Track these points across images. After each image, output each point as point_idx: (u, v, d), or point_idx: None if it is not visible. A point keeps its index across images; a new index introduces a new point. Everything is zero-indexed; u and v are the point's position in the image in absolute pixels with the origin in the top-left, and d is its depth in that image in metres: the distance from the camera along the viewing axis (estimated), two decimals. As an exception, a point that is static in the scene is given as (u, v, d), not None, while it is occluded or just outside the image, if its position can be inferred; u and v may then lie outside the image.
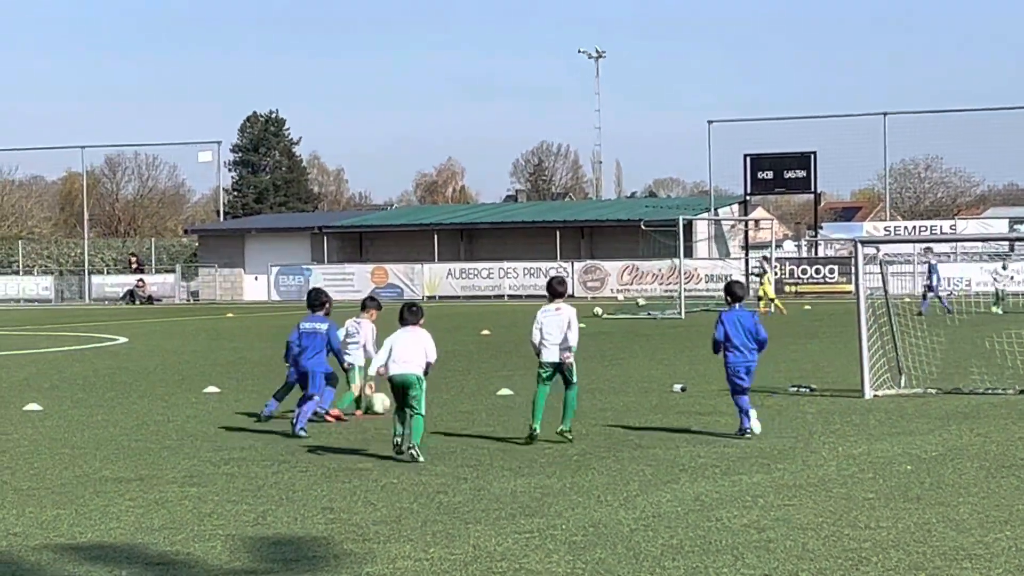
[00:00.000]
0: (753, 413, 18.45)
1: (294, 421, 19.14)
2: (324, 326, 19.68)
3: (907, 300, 30.53)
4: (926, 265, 53.43)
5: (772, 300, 53.89)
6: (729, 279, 20.03)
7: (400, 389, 16.94)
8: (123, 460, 17.18)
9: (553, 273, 76.58)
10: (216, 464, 16.71)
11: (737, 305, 18.65)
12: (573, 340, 18.04)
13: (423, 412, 16.93)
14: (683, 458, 16.61)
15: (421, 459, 16.47)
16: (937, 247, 73.15)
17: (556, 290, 18.46)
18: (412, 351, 17.00)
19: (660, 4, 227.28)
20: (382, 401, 21.04)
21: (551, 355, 18.03)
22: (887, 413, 20.87)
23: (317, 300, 20.02)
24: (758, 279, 58.28)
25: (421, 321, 17.41)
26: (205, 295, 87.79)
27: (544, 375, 18.17)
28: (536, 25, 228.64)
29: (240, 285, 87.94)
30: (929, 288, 50.26)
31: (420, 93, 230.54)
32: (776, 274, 68.47)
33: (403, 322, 17.32)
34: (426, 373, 17.09)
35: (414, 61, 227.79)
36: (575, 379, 18.24)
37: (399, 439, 16.80)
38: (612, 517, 12.97)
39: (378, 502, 13.96)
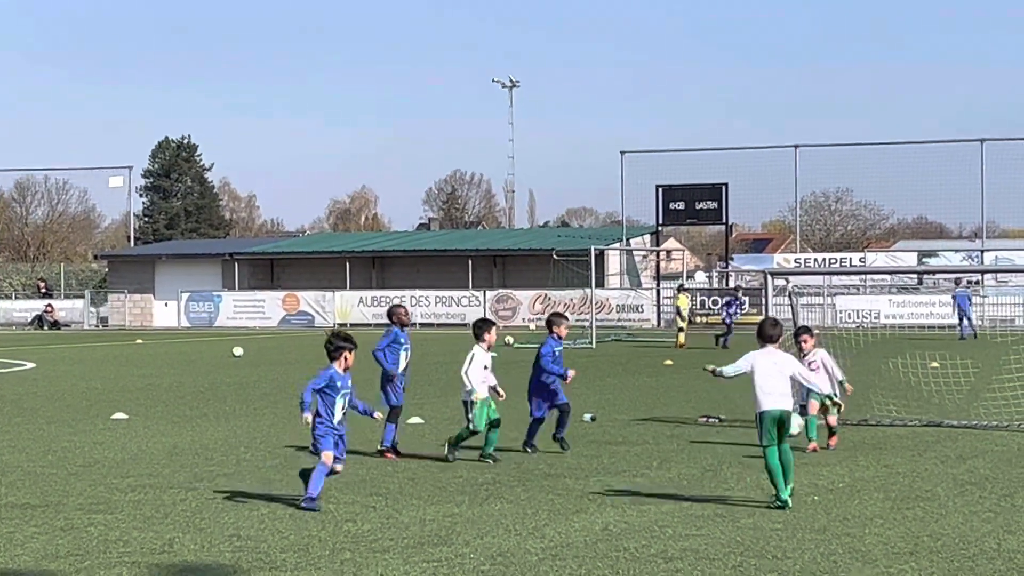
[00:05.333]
0: None
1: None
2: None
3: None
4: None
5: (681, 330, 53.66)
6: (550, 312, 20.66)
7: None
8: (29, 486, 17.01)
9: (465, 302, 76.65)
10: (123, 491, 16.58)
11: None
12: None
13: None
14: (592, 487, 16.66)
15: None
16: (847, 279, 73.89)
17: (767, 333, 16.10)
18: None
19: (574, 35, 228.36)
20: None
21: (774, 403, 15.88)
22: (795, 444, 20.97)
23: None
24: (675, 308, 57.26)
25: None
26: (115, 321, 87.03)
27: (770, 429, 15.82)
28: (450, 55, 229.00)
29: (150, 311, 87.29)
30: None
31: (334, 120, 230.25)
32: (691, 303, 68.68)
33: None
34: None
35: (328, 88, 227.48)
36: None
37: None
38: (520, 547, 12.99)
39: (286, 530, 13.91)
